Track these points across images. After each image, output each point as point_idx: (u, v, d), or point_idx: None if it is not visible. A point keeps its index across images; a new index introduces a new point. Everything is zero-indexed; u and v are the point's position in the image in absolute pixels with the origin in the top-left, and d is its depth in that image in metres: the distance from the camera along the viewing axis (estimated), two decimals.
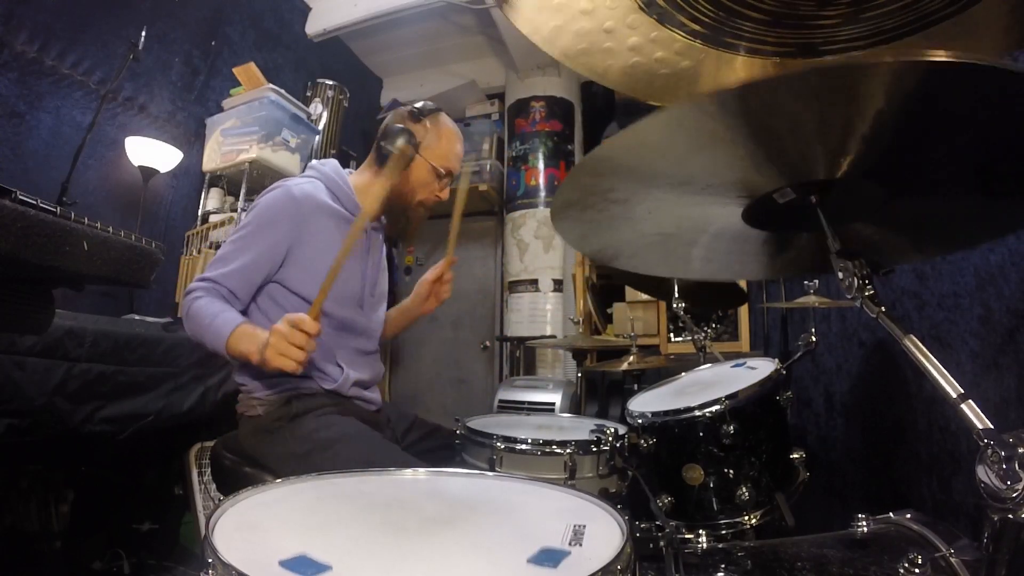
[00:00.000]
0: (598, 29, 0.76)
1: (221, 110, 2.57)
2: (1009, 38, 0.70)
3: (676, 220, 0.75)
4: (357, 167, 1.39)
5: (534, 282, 3.20)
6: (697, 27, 0.74)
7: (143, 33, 2.10)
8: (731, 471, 1.05)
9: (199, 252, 2.38)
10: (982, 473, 0.48)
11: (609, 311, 2.83)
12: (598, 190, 0.69)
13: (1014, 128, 0.50)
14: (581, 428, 1.37)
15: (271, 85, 2.44)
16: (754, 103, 0.50)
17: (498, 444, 1.20)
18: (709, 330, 1.74)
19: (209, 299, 1.11)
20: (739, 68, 0.81)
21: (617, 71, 0.82)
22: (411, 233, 1.38)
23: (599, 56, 0.79)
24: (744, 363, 1.30)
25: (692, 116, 0.54)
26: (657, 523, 0.86)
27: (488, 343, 3.59)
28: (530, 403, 2.35)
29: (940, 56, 0.40)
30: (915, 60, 0.41)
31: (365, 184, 1.31)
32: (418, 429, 1.40)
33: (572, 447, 1.18)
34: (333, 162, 1.33)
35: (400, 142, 1.20)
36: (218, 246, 2.35)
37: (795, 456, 1.08)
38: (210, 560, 0.44)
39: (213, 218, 2.45)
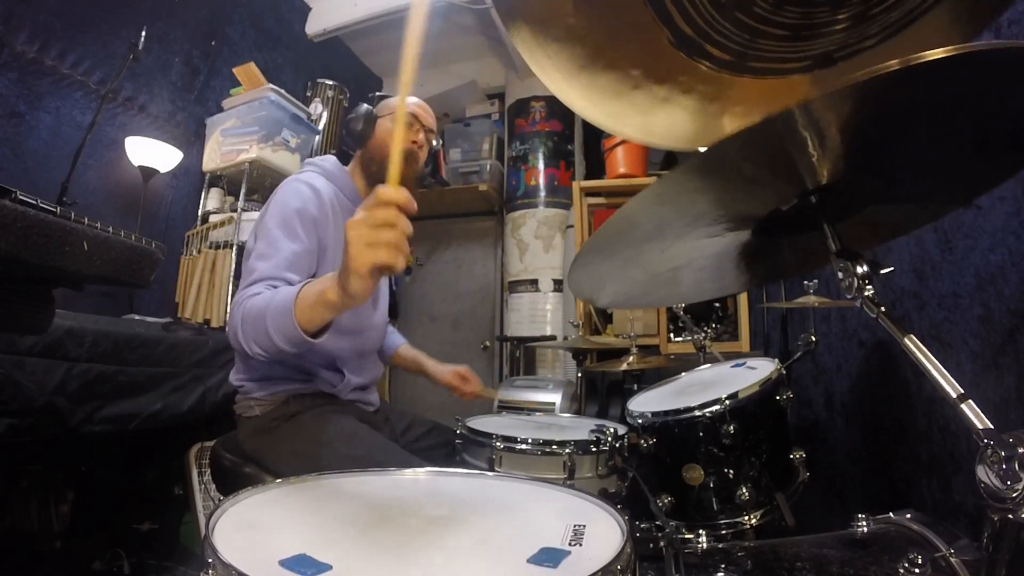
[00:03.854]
0: (642, 94, 0.73)
1: (221, 110, 2.57)
2: (959, 33, 0.70)
3: (687, 252, 0.76)
4: None
5: (534, 282, 3.20)
6: (724, 55, 0.72)
7: (143, 33, 2.10)
8: (731, 471, 1.05)
9: (199, 252, 2.38)
10: (982, 473, 0.48)
11: (609, 311, 2.83)
12: (614, 243, 0.70)
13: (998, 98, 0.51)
14: (581, 428, 1.37)
15: (271, 85, 2.44)
16: (769, 135, 0.51)
17: (498, 444, 1.20)
18: (709, 330, 1.74)
19: (265, 294, 0.95)
20: (757, 95, 0.79)
21: (665, 127, 0.78)
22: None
23: (630, 110, 0.76)
24: (744, 363, 1.30)
25: (703, 164, 0.55)
26: (657, 523, 0.86)
27: (488, 343, 3.59)
28: (530, 403, 2.35)
29: (938, 54, 0.40)
30: (919, 62, 0.41)
31: (358, 179, 1.32)
32: (417, 427, 1.40)
33: (572, 447, 1.18)
34: (332, 158, 1.34)
35: (361, 112, 1.29)
36: (218, 246, 2.36)
37: (795, 456, 1.08)
38: (210, 560, 0.44)
39: (213, 218, 2.44)
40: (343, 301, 0.74)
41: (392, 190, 0.67)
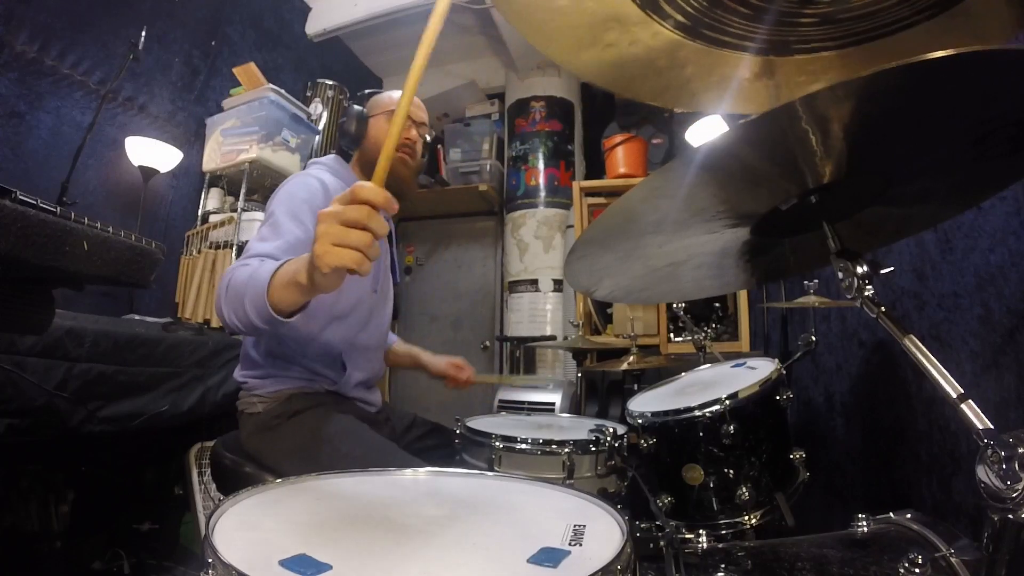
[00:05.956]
0: (584, 21, 0.75)
1: (221, 110, 2.57)
2: (1011, 20, 0.70)
3: (685, 248, 0.75)
4: None
5: (534, 282, 3.19)
6: (683, 19, 0.74)
7: (143, 33, 2.10)
8: (731, 471, 1.05)
9: (199, 252, 2.38)
10: (982, 473, 0.48)
11: (609, 311, 2.83)
12: (612, 235, 0.70)
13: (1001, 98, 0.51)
14: (580, 428, 1.37)
15: (271, 85, 2.44)
16: (768, 130, 0.51)
17: (497, 444, 1.20)
18: (709, 330, 1.74)
19: (252, 265, 0.91)
20: (723, 66, 0.81)
21: (596, 64, 0.81)
22: (399, 189, 1.34)
23: (580, 48, 0.79)
24: (744, 363, 1.30)
25: (705, 156, 0.55)
26: (657, 523, 0.86)
27: (488, 343, 3.59)
28: (530, 403, 2.35)
29: (941, 53, 0.40)
30: (919, 60, 0.41)
31: (360, 176, 1.34)
32: (418, 427, 1.40)
33: (571, 447, 1.18)
34: (334, 155, 1.36)
35: (352, 113, 1.30)
36: (218, 246, 2.36)
37: (795, 456, 1.08)
38: (210, 560, 0.44)
39: (213, 218, 2.44)
40: (310, 287, 0.73)
41: (370, 188, 0.63)
